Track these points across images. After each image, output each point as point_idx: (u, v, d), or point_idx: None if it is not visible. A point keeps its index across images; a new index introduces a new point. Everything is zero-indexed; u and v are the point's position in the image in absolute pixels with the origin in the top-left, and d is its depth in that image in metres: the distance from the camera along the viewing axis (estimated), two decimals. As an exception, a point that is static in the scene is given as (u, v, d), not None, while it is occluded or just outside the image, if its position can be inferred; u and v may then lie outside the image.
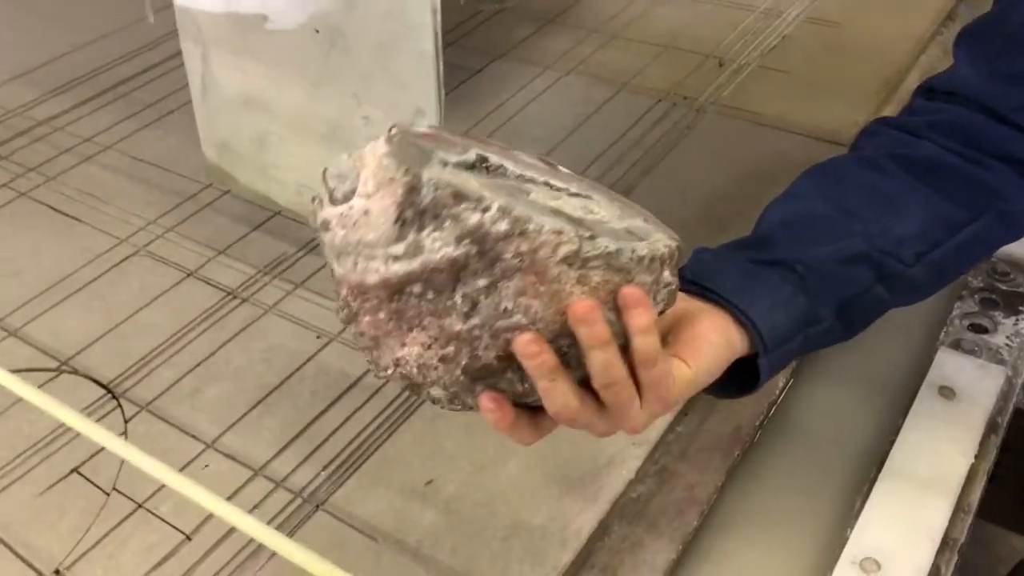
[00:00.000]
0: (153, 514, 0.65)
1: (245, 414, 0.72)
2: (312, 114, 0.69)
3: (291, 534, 0.62)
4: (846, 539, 0.60)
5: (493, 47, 1.15)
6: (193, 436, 0.70)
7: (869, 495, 0.63)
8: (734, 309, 0.52)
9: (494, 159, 0.43)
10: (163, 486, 0.64)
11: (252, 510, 0.64)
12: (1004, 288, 0.78)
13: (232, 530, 0.62)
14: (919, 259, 0.57)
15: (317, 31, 0.64)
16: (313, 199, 0.41)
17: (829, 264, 0.56)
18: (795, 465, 0.68)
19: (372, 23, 0.62)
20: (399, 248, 0.40)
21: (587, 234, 0.41)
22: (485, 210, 0.39)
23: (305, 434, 0.70)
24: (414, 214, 0.39)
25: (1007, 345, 0.73)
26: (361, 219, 0.40)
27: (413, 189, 0.39)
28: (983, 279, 0.79)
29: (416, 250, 0.40)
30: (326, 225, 0.41)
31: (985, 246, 0.62)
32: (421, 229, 0.40)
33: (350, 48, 0.64)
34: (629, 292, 0.43)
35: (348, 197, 0.40)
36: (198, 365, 0.76)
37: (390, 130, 0.42)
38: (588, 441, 0.67)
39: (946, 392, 0.69)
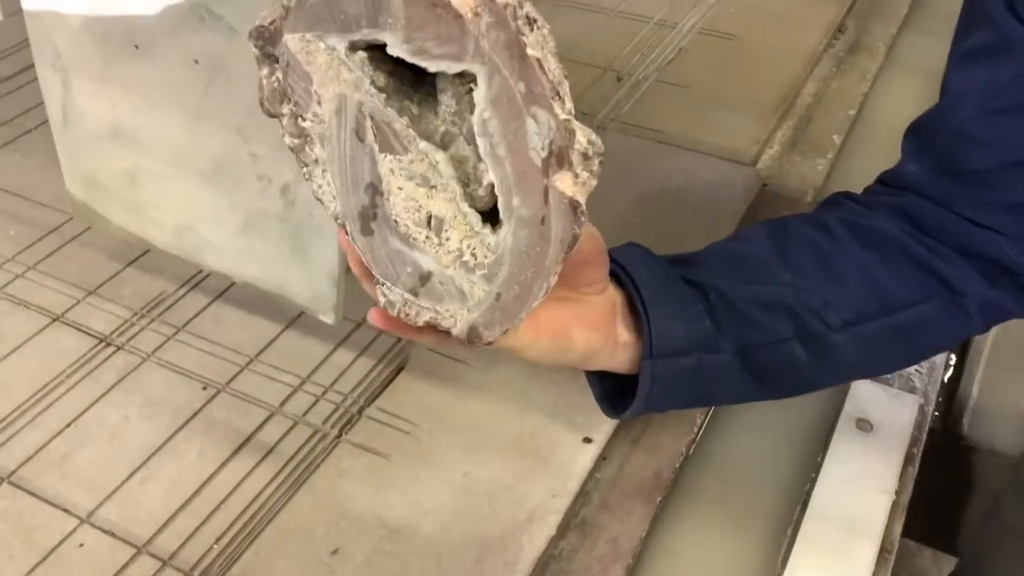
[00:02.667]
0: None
1: (124, 481, 0.65)
2: (192, 150, 0.62)
3: (182, 622, 0.56)
4: (776, 590, 0.58)
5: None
6: (65, 510, 0.63)
7: (795, 541, 0.62)
8: (638, 301, 0.52)
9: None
10: (31, 577, 0.57)
11: (136, 597, 0.58)
12: (911, 312, 0.78)
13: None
14: (845, 327, 0.54)
15: (196, 61, 0.58)
16: None
17: (745, 303, 0.54)
18: (718, 508, 0.66)
19: (258, 54, 0.56)
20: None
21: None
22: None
23: (193, 502, 0.64)
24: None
25: (918, 371, 0.74)
26: None
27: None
28: (890, 303, 0.79)
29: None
30: None
31: (931, 335, 0.57)
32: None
33: (233, 80, 0.58)
34: None
35: None
36: (68, 426, 0.69)
37: None
38: (505, 497, 0.64)
39: (863, 425, 0.69)
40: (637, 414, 0.55)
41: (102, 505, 0.63)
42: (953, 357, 0.99)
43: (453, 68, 0.40)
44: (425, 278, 0.44)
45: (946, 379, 0.98)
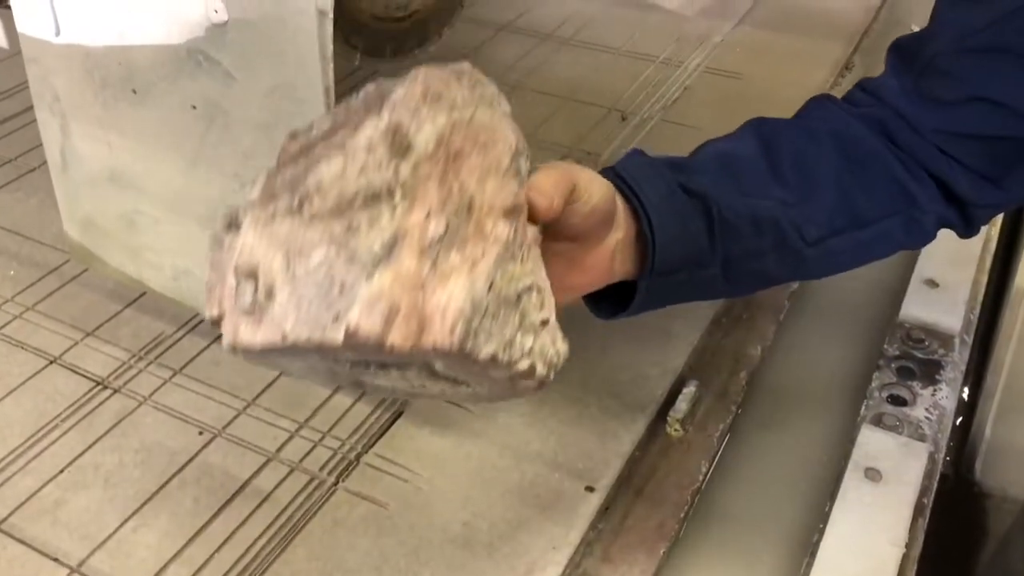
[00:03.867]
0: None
1: (117, 528, 0.64)
2: (189, 194, 0.62)
3: None
4: (783, 648, 0.57)
5: (387, 97, 1.10)
6: (55, 559, 0.62)
7: (802, 595, 0.60)
8: (645, 222, 0.53)
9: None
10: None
11: (125, 651, 0.56)
12: (920, 356, 0.77)
13: None
14: (818, 242, 0.58)
15: (194, 106, 0.57)
16: None
17: (739, 217, 0.56)
18: (723, 559, 0.65)
19: (255, 100, 0.55)
20: None
21: None
22: None
23: (187, 550, 0.62)
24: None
25: (927, 418, 0.72)
26: None
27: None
28: (899, 347, 0.78)
29: None
30: None
31: (887, 247, 0.63)
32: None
33: (231, 125, 0.57)
34: None
35: None
36: (62, 471, 0.68)
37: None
38: (505, 548, 0.62)
39: (872, 474, 0.67)
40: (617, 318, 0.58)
41: (93, 554, 0.62)
42: (966, 395, 0.97)
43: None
44: None
45: (957, 423, 0.96)
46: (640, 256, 0.54)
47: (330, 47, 0.51)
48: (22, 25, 0.63)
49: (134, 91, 0.59)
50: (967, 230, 0.64)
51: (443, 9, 0.96)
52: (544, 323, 0.44)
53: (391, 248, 0.39)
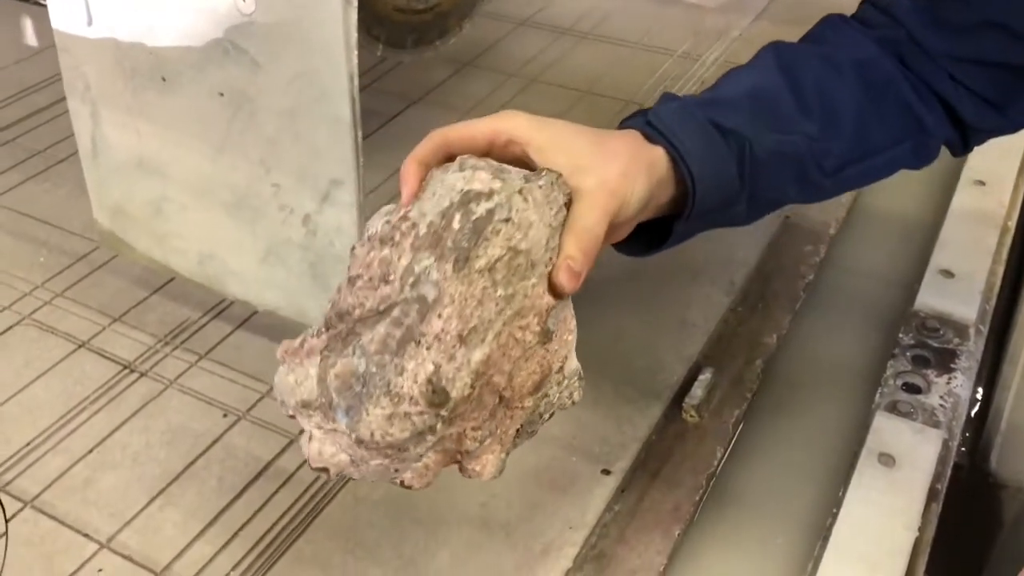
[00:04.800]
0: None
1: (145, 507, 0.65)
2: (215, 181, 0.63)
3: (197, 650, 0.56)
4: (796, 627, 0.57)
5: (410, 91, 1.11)
6: (85, 535, 0.63)
7: (815, 576, 0.61)
8: (685, 171, 0.54)
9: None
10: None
11: (153, 623, 0.58)
12: (935, 345, 0.77)
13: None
14: (835, 172, 0.61)
15: (221, 94, 0.59)
16: None
17: (769, 154, 0.58)
18: (737, 542, 0.65)
19: (280, 87, 0.57)
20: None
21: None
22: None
23: (212, 528, 0.64)
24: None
25: (941, 406, 0.72)
26: None
27: None
28: (914, 335, 0.78)
29: None
30: None
31: (891, 171, 0.65)
32: None
33: (256, 112, 0.59)
34: None
35: None
36: (91, 451, 0.69)
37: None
38: (522, 529, 0.63)
39: (886, 460, 0.68)
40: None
41: (122, 530, 0.64)
42: (980, 391, 0.97)
43: None
44: None
45: (973, 414, 0.97)
46: (674, 200, 0.56)
47: (354, 35, 0.53)
48: (55, 16, 0.65)
49: (163, 79, 0.61)
50: (963, 151, 0.66)
51: (464, 2, 0.97)
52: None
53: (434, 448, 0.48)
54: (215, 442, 0.70)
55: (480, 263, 0.45)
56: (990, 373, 0.96)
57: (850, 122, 0.60)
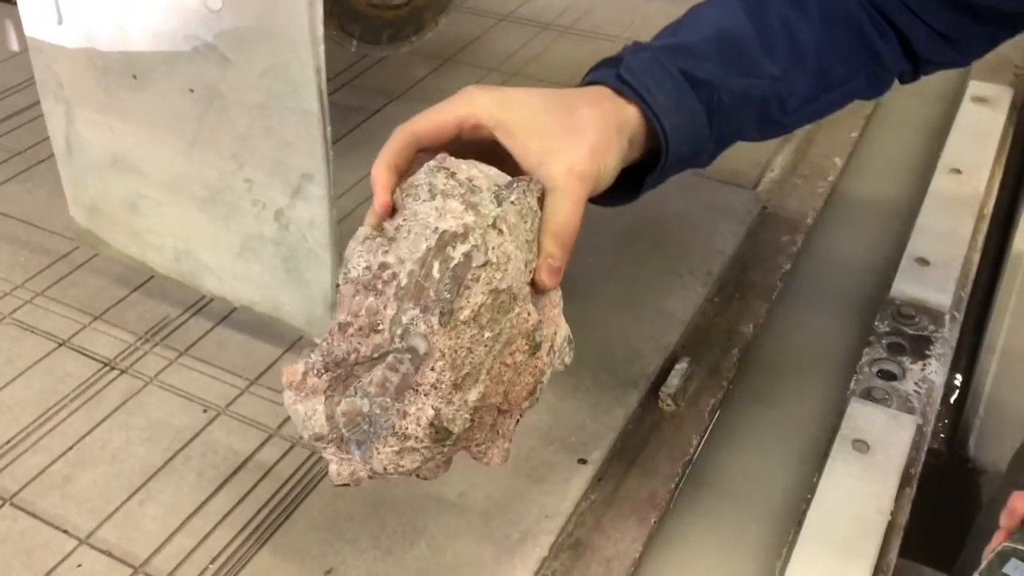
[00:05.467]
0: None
1: (124, 502, 0.66)
2: (189, 177, 0.64)
3: (175, 642, 0.57)
4: (769, 611, 0.58)
5: (390, 87, 1.11)
6: (64, 531, 0.64)
7: (789, 560, 0.61)
8: (658, 127, 0.55)
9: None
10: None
11: (131, 616, 0.58)
12: (911, 332, 0.78)
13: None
14: (796, 110, 0.62)
15: (192, 90, 0.59)
16: None
17: (737, 99, 0.58)
18: (713, 528, 0.66)
19: (250, 82, 0.57)
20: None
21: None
22: None
23: (191, 522, 0.64)
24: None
25: (916, 392, 0.73)
26: None
27: None
28: (889, 323, 0.79)
29: None
30: None
31: (846, 103, 0.65)
32: None
33: (227, 108, 0.59)
34: None
35: None
36: (71, 448, 0.70)
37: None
38: (499, 518, 0.64)
39: (860, 445, 0.68)
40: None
41: (101, 526, 0.64)
42: (959, 378, 0.98)
43: None
44: None
45: (952, 401, 0.97)
46: (645, 152, 0.57)
47: (320, 29, 0.53)
48: (26, 16, 0.65)
49: (134, 76, 0.61)
50: (912, 80, 0.67)
51: (439, -2, 0.98)
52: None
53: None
54: (195, 437, 0.70)
55: (465, 313, 0.47)
56: (969, 360, 0.97)
57: (812, 60, 0.60)
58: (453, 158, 0.50)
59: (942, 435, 0.94)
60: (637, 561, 0.62)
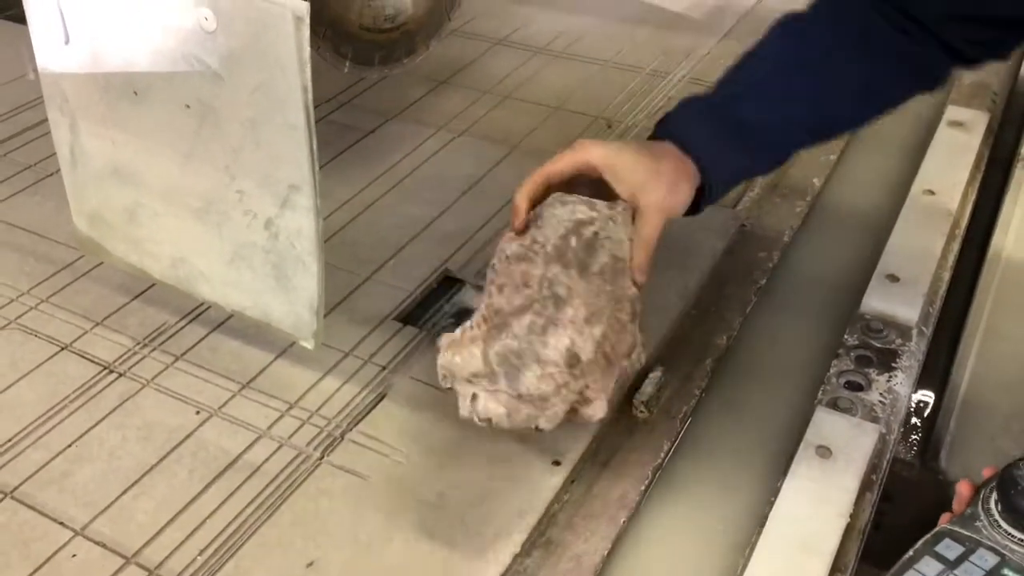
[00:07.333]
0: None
1: (118, 497, 0.69)
2: (185, 187, 0.68)
3: (162, 627, 0.60)
4: (727, 606, 0.61)
5: (386, 107, 1.16)
6: (61, 523, 0.67)
7: (750, 559, 0.64)
8: (704, 173, 0.72)
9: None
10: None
11: (121, 602, 0.61)
12: (878, 345, 0.81)
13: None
14: (848, 129, 0.84)
15: (188, 106, 0.63)
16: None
17: (788, 137, 0.75)
18: (680, 530, 0.69)
19: (242, 98, 0.61)
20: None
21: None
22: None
23: (182, 516, 0.67)
24: None
25: (880, 402, 0.76)
26: None
27: None
28: (858, 336, 0.82)
29: None
30: None
31: (896, 104, 0.76)
32: None
33: (221, 122, 0.63)
34: None
35: None
36: (69, 446, 0.73)
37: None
38: (475, 515, 0.67)
39: (823, 451, 0.71)
40: None
41: (96, 519, 0.67)
42: (932, 394, 1.01)
43: None
44: None
45: (925, 415, 1.00)
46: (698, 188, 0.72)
47: (307, 50, 0.57)
48: (35, 35, 0.69)
49: (135, 92, 0.65)
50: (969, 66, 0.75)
51: (431, 22, 1.02)
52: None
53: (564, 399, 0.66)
54: (187, 437, 0.73)
55: (595, 268, 0.65)
56: (943, 375, 0.99)
57: (866, 93, 0.73)
58: (568, 193, 0.70)
59: (915, 448, 0.97)
60: (606, 558, 0.65)
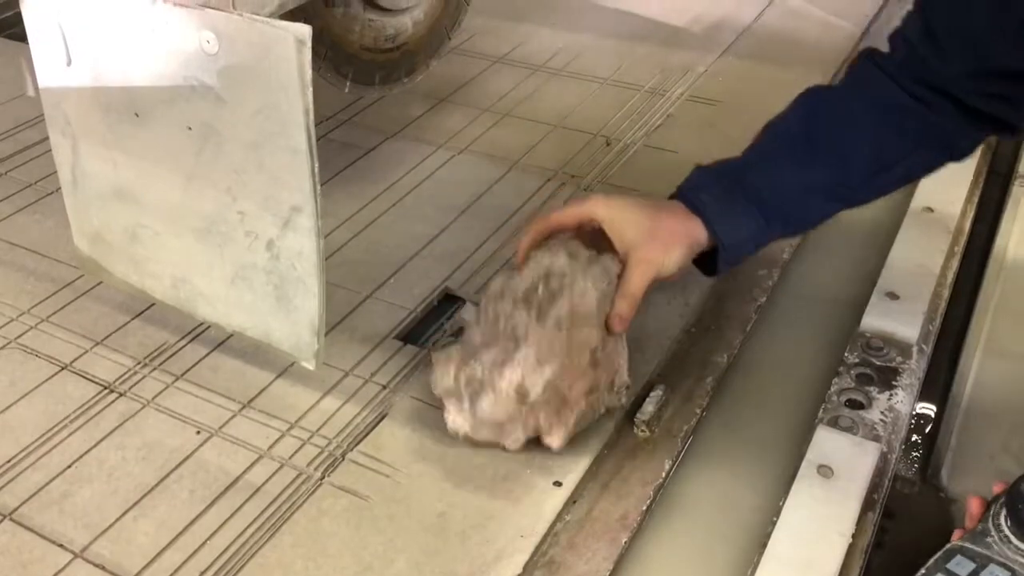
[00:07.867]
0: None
1: (118, 518, 0.69)
2: (186, 208, 0.68)
3: (162, 650, 0.59)
4: (730, 628, 0.60)
5: (387, 126, 1.16)
6: (60, 545, 0.67)
7: (752, 580, 0.64)
8: (712, 232, 0.75)
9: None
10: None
11: (121, 625, 0.61)
12: (878, 363, 0.81)
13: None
14: (859, 192, 0.76)
15: (190, 127, 0.63)
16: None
17: (796, 198, 0.75)
18: (682, 550, 0.69)
19: (244, 120, 0.61)
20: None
21: None
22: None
23: (182, 538, 0.67)
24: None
25: (882, 420, 0.76)
26: None
27: None
28: (859, 354, 0.82)
29: None
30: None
31: (915, 176, 0.81)
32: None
33: (223, 144, 0.63)
34: None
35: None
36: (69, 466, 0.73)
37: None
38: (476, 537, 0.67)
39: (824, 471, 0.71)
40: None
41: (96, 541, 0.67)
42: (934, 410, 1.00)
43: None
44: None
45: (926, 432, 1.00)
46: (714, 246, 0.75)
47: (309, 72, 0.57)
48: (38, 57, 0.70)
49: (136, 114, 0.65)
50: (1012, 137, 0.84)
51: (431, 42, 1.02)
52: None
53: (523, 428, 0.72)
54: (188, 457, 0.73)
55: (552, 316, 0.70)
56: (943, 392, 0.99)
57: (890, 164, 0.74)
58: (566, 240, 0.76)
59: (916, 466, 0.97)
60: (607, 579, 0.65)
